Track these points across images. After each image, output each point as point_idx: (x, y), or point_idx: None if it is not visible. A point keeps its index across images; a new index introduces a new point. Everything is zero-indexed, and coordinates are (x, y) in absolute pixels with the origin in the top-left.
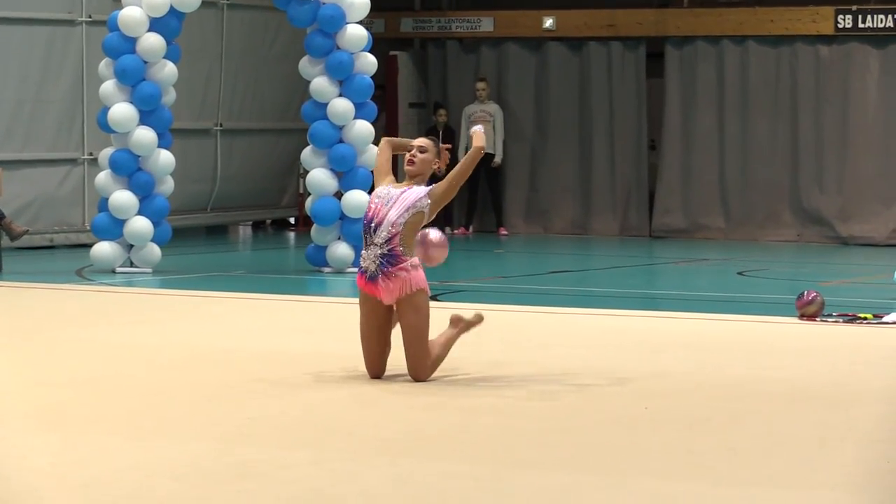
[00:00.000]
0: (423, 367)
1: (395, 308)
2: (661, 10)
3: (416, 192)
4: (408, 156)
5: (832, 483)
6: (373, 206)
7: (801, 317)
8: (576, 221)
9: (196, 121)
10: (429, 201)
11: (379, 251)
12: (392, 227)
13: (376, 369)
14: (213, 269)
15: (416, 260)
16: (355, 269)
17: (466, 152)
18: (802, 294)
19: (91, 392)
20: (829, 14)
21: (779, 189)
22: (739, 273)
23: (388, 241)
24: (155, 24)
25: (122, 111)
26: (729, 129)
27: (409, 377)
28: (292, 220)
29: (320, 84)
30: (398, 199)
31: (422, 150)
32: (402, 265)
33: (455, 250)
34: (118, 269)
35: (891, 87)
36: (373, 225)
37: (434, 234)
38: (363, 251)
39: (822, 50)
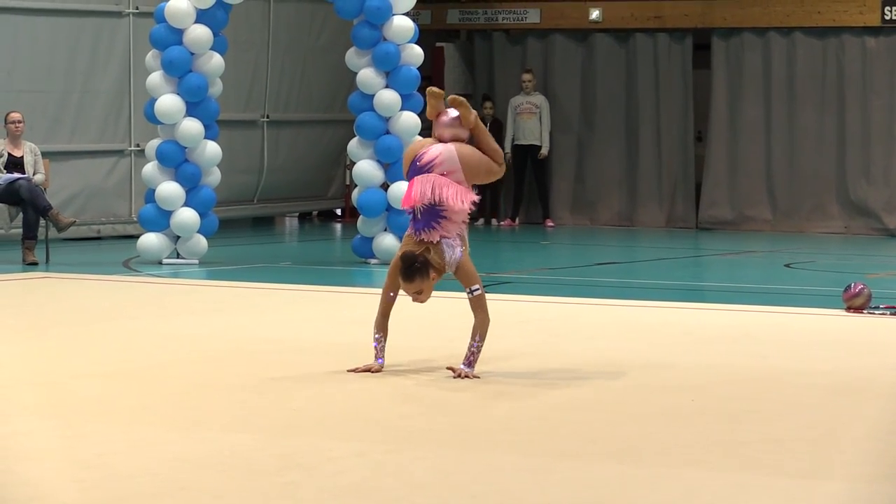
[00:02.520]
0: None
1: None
2: (708, 1)
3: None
4: (412, 300)
5: (879, 475)
6: None
7: (848, 309)
8: (622, 213)
9: (243, 112)
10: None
11: None
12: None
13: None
14: (260, 260)
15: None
16: None
17: (513, 144)
18: (849, 286)
19: (137, 383)
20: (876, 5)
21: (825, 181)
22: (786, 265)
23: None
24: (202, 16)
25: (168, 102)
26: (775, 120)
27: (453, 372)
28: (339, 212)
29: (367, 75)
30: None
31: (418, 292)
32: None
33: (501, 242)
34: (165, 261)
35: None
36: None
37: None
38: None
39: (869, 41)
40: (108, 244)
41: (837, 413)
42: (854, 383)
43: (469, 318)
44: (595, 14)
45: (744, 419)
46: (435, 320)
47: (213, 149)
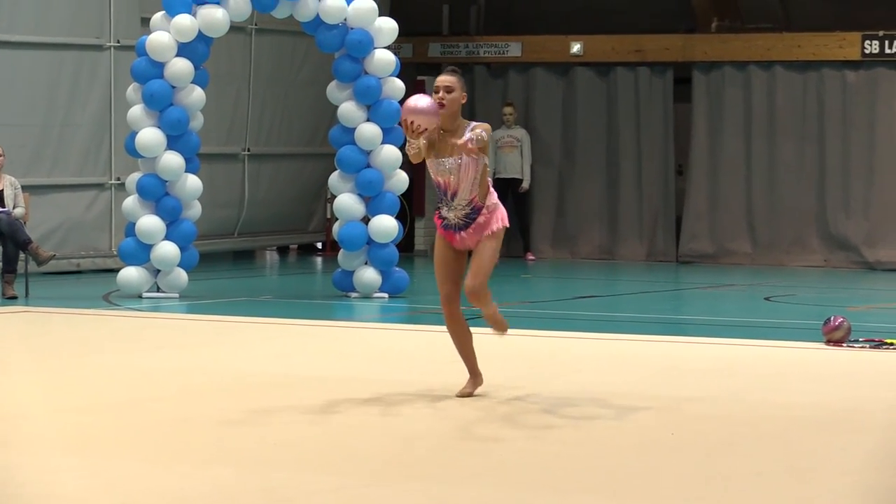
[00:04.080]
0: (483, 281)
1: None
2: (689, 35)
3: (472, 163)
4: (436, 98)
5: None
6: (440, 179)
7: (828, 342)
8: (603, 246)
9: (224, 146)
10: (482, 159)
11: (462, 212)
12: (469, 195)
13: (449, 290)
14: (240, 294)
15: (493, 198)
16: (382, 295)
17: (494, 177)
18: (829, 319)
19: (117, 417)
20: (856, 40)
21: (805, 214)
22: (766, 298)
23: (469, 202)
24: (183, 49)
25: (149, 136)
26: (756, 154)
27: (431, 403)
28: (319, 245)
29: (348, 109)
30: (461, 175)
31: (448, 90)
32: (482, 213)
33: None
34: (145, 295)
35: None
36: (449, 194)
37: (415, 99)
38: (443, 208)
39: (849, 75)
40: (88, 278)
41: (818, 446)
42: (835, 416)
43: (440, 350)
44: (576, 48)
45: (725, 452)
46: (415, 354)
47: (193, 182)
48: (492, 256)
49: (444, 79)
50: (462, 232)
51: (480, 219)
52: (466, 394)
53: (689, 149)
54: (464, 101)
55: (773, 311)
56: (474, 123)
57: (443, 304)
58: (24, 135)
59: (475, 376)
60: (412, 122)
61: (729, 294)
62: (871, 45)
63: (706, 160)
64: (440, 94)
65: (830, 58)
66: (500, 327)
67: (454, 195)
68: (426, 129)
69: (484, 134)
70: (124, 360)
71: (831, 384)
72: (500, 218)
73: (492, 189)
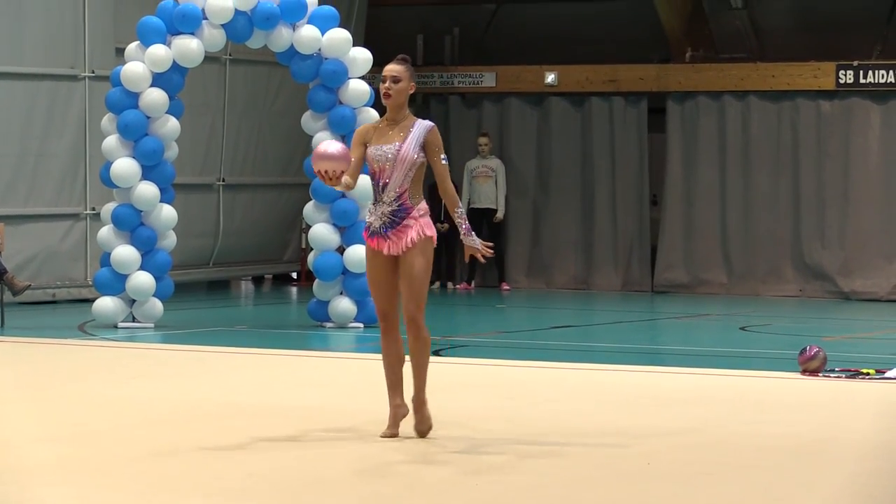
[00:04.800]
0: (419, 306)
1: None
2: (663, 65)
3: (411, 150)
4: (382, 89)
5: None
6: (375, 166)
7: (804, 372)
8: (578, 276)
9: (198, 176)
10: (423, 155)
11: (388, 209)
12: (399, 188)
13: (385, 308)
14: (216, 324)
15: (423, 207)
16: (358, 324)
17: (469, 207)
18: (805, 349)
19: (94, 447)
20: (831, 70)
21: (781, 244)
22: (742, 328)
23: (398, 198)
24: (158, 80)
25: (124, 166)
26: (730, 184)
27: (401, 437)
28: (294, 275)
29: (323, 139)
30: (397, 161)
31: (395, 80)
32: (410, 215)
33: (457, 305)
34: (120, 324)
35: (892, 142)
36: (380, 184)
37: (324, 146)
38: (371, 206)
39: (824, 105)
40: (64, 308)
41: (793, 476)
42: (809, 446)
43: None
44: (550, 78)
45: (700, 482)
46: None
47: (168, 212)
48: (423, 278)
49: (391, 68)
50: (388, 233)
51: (408, 221)
52: (391, 435)
53: (664, 178)
54: (412, 91)
55: (749, 341)
56: (421, 121)
57: (379, 320)
58: (0, 165)
59: (398, 406)
60: (326, 171)
61: (704, 324)
62: (845, 75)
63: (681, 190)
64: (386, 83)
65: (805, 87)
66: (425, 424)
67: (385, 186)
68: (342, 173)
69: (477, 243)
70: (100, 391)
71: (807, 414)
72: (426, 226)
73: (425, 203)
